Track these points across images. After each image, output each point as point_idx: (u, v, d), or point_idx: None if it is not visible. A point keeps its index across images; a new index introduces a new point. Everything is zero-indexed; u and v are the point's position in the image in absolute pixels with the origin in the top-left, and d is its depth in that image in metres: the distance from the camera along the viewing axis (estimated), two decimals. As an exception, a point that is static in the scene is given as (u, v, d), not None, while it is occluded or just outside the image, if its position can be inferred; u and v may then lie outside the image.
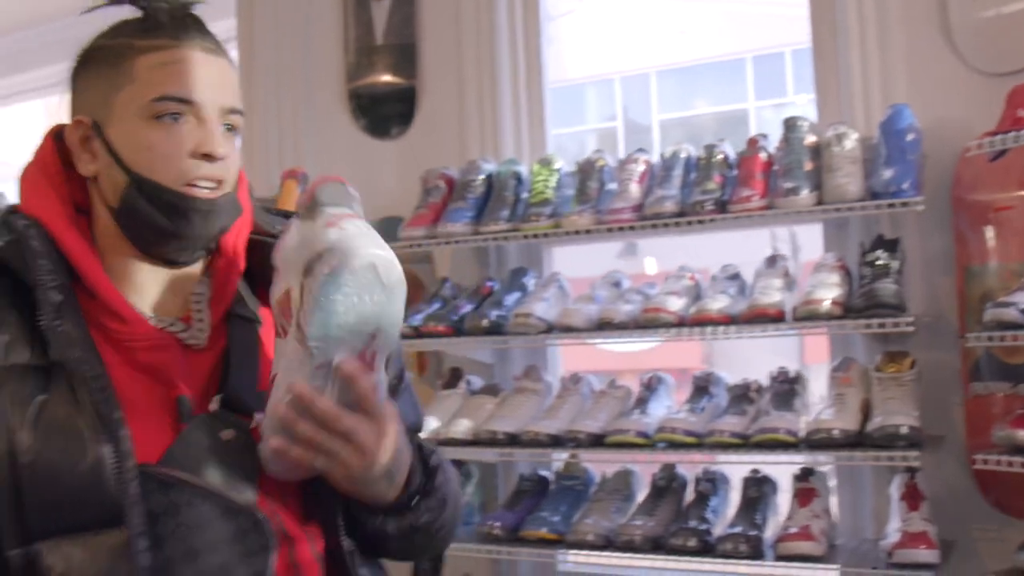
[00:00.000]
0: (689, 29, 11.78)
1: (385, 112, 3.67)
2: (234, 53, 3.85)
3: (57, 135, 1.31)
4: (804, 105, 11.71)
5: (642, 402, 3.02)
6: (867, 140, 2.82)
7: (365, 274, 1.15)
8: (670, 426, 2.85)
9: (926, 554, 2.56)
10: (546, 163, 3.17)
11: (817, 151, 2.81)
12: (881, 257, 2.71)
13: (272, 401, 1.19)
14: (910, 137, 2.70)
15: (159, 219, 1.24)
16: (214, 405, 1.25)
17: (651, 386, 3.07)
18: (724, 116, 12.36)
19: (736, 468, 3.02)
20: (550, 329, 3.00)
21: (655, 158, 3.06)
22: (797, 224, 3.01)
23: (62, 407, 1.18)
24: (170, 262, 1.29)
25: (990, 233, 2.81)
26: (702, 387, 2.99)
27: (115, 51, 1.25)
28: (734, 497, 2.98)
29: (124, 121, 1.24)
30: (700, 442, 2.82)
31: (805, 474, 2.86)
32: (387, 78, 3.68)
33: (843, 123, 2.82)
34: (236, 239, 1.34)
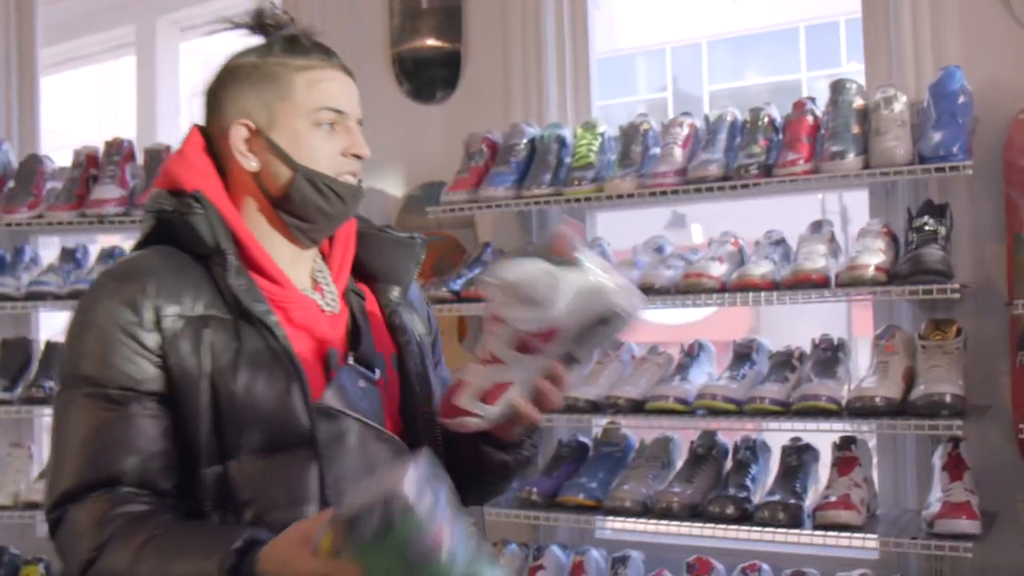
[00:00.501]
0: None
1: (430, 76, 3.66)
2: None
3: (203, 133, 1.59)
4: (856, 74, 11.57)
5: (683, 368, 3.00)
6: (916, 103, 2.76)
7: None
8: (710, 392, 2.83)
9: (967, 524, 2.53)
10: (590, 127, 3.14)
11: (865, 115, 2.76)
12: (928, 223, 2.66)
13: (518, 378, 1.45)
14: (961, 100, 2.65)
15: (322, 202, 1.53)
16: (351, 360, 1.53)
17: (692, 353, 3.05)
18: (776, 86, 12.19)
19: (776, 436, 2.99)
20: (591, 294, 2.98)
21: (700, 122, 3.02)
22: (844, 189, 2.95)
23: (257, 351, 1.44)
24: (310, 241, 1.58)
25: (1042, 199, 2.75)
26: (744, 354, 2.97)
27: (272, 70, 1.53)
28: (774, 465, 2.96)
29: (287, 126, 1.52)
30: (740, 409, 2.80)
31: (846, 443, 2.83)
32: (432, 42, 3.67)
33: (892, 86, 2.77)
34: (349, 229, 1.65)
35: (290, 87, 1.52)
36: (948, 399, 2.53)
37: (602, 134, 3.13)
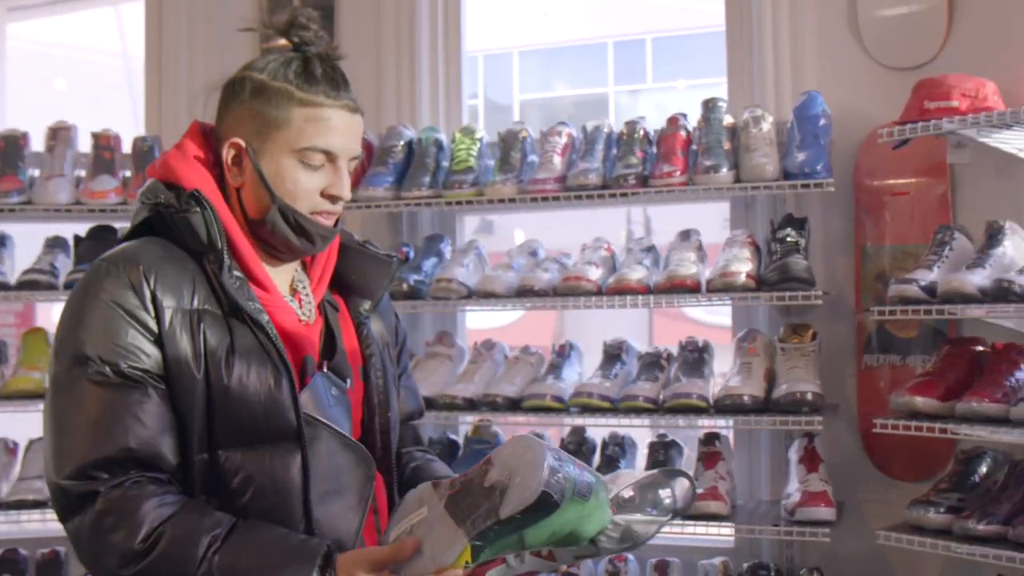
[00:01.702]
0: (552, 11, 11.92)
1: (299, 74, 3.64)
2: (129, 7, 3.76)
3: (204, 131, 1.62)
4: (663, 92, 12.08)
5: (555, 368, 3.12)
6: (780, 124, 2.98)
7: None
8: (586, 391, 2.95)
9: (825, 512, 2.75)
10: (468, 132, 3.23)
11: (734, 132, 2.96)
12: (791, 234, 2.88)
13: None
14: (822, 122, 2.88)
15: (292, 238, 1.57)
16: (324, 369, 1.59)
17: (563, 353, 3.17)
18: (583, 99, 12.56)
19: (642, 433, 3.15)
20: (470, 295, 3.07)
21: (576, 132, 3.15)
22: (714, 201, 3.14)
23: (249, 347, 1.51)
24: (279, 262, 1.63)
25: (886, 216, 3.02)
26: (614, 355, 3.11)
27: (276, 95, 1.54)
28: (641, 461, 3.12)
29: (275, 156, 1.55)
30: (614, 407, 2.94)
31: (711, 438, 3.02)
32: (300, 39, 3.65)
33: (758, 106, 2.98)
34: (333, 244, 1.68)
35: (288, 119, 1.54)
36: (809, 397, 2.75)
37: (480, 139, 3.22)
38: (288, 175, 1.55)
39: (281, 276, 1.63)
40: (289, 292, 1.64)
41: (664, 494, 1.59)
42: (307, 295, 1.65)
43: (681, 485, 1.61)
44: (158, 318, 1.47)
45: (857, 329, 3.05)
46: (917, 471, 2.97)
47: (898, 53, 3.01)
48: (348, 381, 1.62)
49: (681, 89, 10.75)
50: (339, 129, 1.56)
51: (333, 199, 1.58)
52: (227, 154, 1.56)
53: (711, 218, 3.60)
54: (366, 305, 1.71)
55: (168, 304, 1.48)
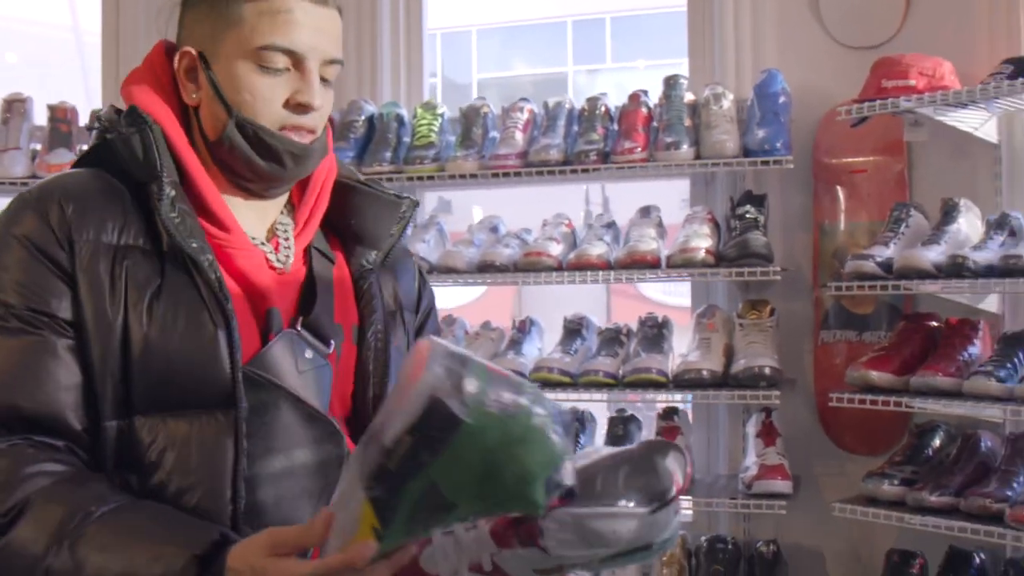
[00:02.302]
0: (512, -11, 11.90)
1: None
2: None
3: (169, 50, 1.37)
4: (623, 72, 12.11)
5: (515, 343, 3.13)
6: (741, 102, 3.00)
7: None
8: (546, 365, 2.97)
9: (781, 485, 2.79)
10: (429, 107, 3.22)
11: (695, 109, 2.98)
12: (750, 211, 2.90)
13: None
14: (782, 100, 2.91)
15: (254, 159, 1.31)
16: (298, 326, 1.33)
17: (524, 329, 3.18)
18: (542, 78, 12.56)
19: (600, 408, 3.18)
20: (431, 271, 3.07)
21: (538, 108, 3.16)
22: (675, 177, 3.16)
23: (181, 292, 1.26)
24: (252, 195, 1.37)
25: (844, 194, 3.06)
26: (574, 330, 3.13)
27: None
28: (600, 436, 3.14)
29: (229, 61, 1.30)
30: (574, 381, 2.96)
31: (669, 413, 3.05)
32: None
33: (719, 84, 3.00)
34: (325, 179, 1.42)
35: (240, 14, 1.29)
36: (767, 371, 2.79)
37: (442, 115, 3.21)
38: (244, 82, 1.29)
39: (253, 216, 1.37)
40: (266, 236, 1.38)
41: (648, 479, 1.12)
42: (287, 240, 1.38)
43: (673, 463, 1.14)
44: (72, 254, 1.24)
45: (815, 305, 3.08)
46: (872, 445, 3.02)
47: (857, 32, 3.04)
48: (332, 344, 1.34)
49: (641, 69, 10.79)
50: (302, 23, 1.29)
51: (300, 108, 1.30)
52: (178, 66, 1.33)
53: (670, 197, 3.62)
54: (371, 256, 1.44)
55: (86, 238, 1.25)
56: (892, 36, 3.00)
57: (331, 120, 1.52)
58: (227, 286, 1.28)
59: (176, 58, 1.34)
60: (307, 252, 1.41)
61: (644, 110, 3.01)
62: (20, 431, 1.21)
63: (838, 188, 3.06)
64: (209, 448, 1.24)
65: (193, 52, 1.32)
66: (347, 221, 1.44)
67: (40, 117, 3.38)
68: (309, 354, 1.32)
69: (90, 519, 1.15)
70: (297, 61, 1.30)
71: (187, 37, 1.34)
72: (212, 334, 1.25)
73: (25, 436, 1.21)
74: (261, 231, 1.38)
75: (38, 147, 3.31)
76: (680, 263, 2.85)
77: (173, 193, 1.28)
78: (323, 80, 1.33)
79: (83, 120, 3.33)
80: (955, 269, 2.54)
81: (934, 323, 2.82)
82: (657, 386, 2.89)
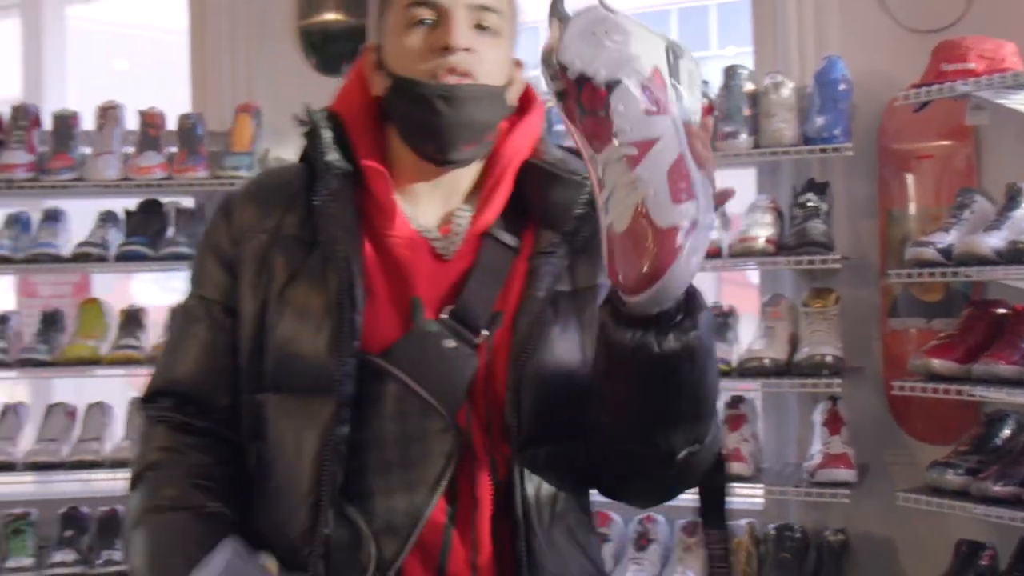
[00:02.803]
0: (616, -21, 11.87)
1: (336, 50, 3.73)
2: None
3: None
4: (731, 58, 11.96)
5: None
6: (801, 89, 3.00)
7: None
8: (612, 355, 3.01)
9: (845, 473, 2.79)
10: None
11: (754, 98, 2.99)
12: (812, 199, 2.90)
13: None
14: (842, 87, 2.89)
15: (412, 111, 1.31)
16: (444, 314, 1.30)
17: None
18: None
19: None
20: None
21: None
22: (739, 167, 3.17)
23: (306, 282, 1.31)
24: (442, 162, 1.34)
25: (911, 179, 3.02)
26: (641, 320, 3.16)
27: None
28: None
29: (391, 35, 1.34)
30: (639, 370, 2.99)
31: (735, 401, 3.06)
32: (338, 16, 3.75)
33: (779, 72, 3.00)
34: (512, 156, 1.37)
35: None
36: (829, 360, 2.79)
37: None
38: (399, 45, 1.32)
39: (437, 203, 1.37)
40: (437, 223, 1.36)
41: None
42: (459, 227, 1.35)
43: None
44: (237, 243, 1.35)
45: (883, 293, 3.06)
46: (943, 433, 2.98)
47: (922, 16, 3.00)
48: (484, 333, 1.29)
49: (714, 56, 10.67)
50: None
51: (444, 51, 1.29)
52: (367, 63, 1.38)
53: (743, 184, 3.62)
54: (548, 238, 1.34)
55: (248, 227, 1.36)
56: (958, 19, 2.95)
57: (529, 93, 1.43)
58: (371, 275, 1.31)
59: (364, 58, 1.40)
60: (482, 238, 1.36)
61: (704, 100, 3.02)
62: (174, 402, 1.36)
63: (905, 174, 3.03)
64: (302, 432, 1.27)
65: (373, 45, 1.38)
66: (530, 201, 1.38)
67: (133, 122, 3.56)
68: (451, 343, 1.28)
69: (156, 514, 1.29)
70: (441, 11, 1.30)
71: (373, 34, 1.40)
72: (320, 328, 1.28)
73: (178, 408, 1.36)
74: (433, 217, 1.37)
75: (130, 151, 3.48)
76: (740, 252, 2.87)
77: (335, 185, 1.32)
78: (481, 28, 1.32)
79: (171, 124, 3.49)
80: (1016, 255, 2.51)
81: (1001, 310, 2.77)
82: (721, 374, 2.90)
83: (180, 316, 1.40)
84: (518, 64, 1.39)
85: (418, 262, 1.32)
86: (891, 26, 3.05)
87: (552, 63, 1.09)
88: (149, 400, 1.40)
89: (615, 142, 1.05)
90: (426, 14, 1.30)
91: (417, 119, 1.31)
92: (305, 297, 1.30)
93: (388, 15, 1.34)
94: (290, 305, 1.30)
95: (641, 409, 1.15)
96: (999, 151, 2.92)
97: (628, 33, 1.08)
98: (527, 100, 1.41)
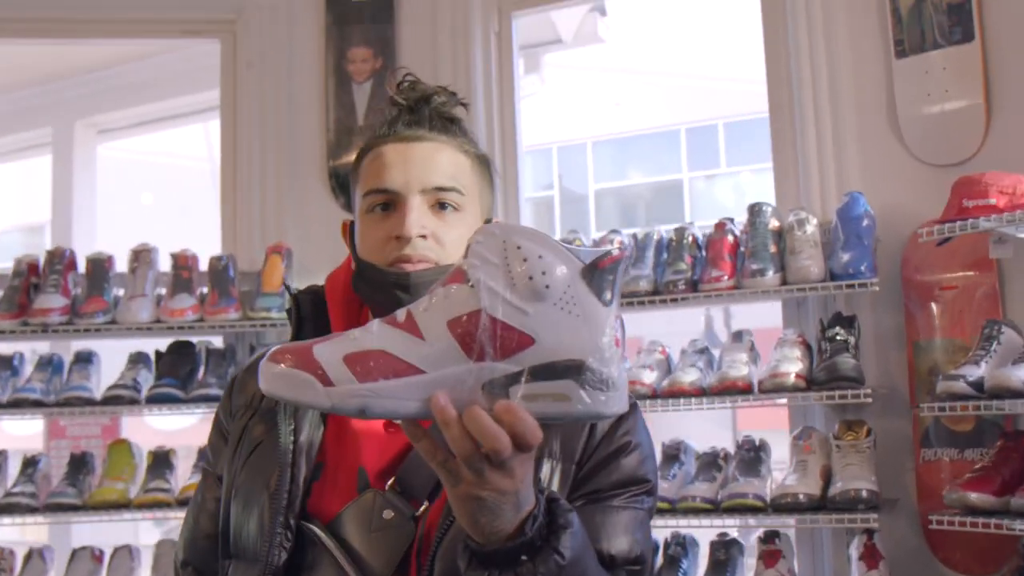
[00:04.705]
0: (625, 101, 12.13)
1: (364, 190, 3.81)
2: (215, 124, 4.00)
3: None
4: (739, 177, 12.17)
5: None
6: (824, 224, 3.05)
7: None
8: (644, 491, 3.00)
9: (886, 609, 2.75)
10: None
11: (780, 235, 3.04)
12: (840, 333, 2.93)
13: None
14: (865, 223, 2.94)
15: (374, 294, 1.36)
16: (388, 485, 1.32)
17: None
18: (658, 186, 12.70)
19: (703, 532, 3.19)
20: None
21: (627, 239, 3.26)
22: (764, 301, 3.20)
23: (270, 449, 1.36)
24: None
25: (936, 310, 3.05)
26: (672, 455, 3.17)
27: (357, 157, 1.43)
28: (703, 560, 3.15)
29: (358, 216, 1.39)
30: (673, 508, 2.99)
31: (770, 536, 3.04)
32: (365, 157, 3.83)
33: (803, 208, 3.06)
34: None
35: (359, 171, 1.40)
36: (864, 494, 2.78)
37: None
38: (362, 231, 1.37)
39: None
40: None
41: None
42: None
43: None
44: (232, 417, 1.45)
45: (914, 423, 3.06)
46: (983, 565, 2.95)
47: (939, 151, 3.07)
48: (426, 505, 1.30)
49: (753, 172, 10.83)
50: (393, 162, 1.35)
51: (398, 241, 1.33)
52: (344, 240, 1.44)
53: (769, 306, 3.65)
54: None
55: (238, 402, 1.45)
56: (975, 153, 3.01)
57: None
58: (328, 444, 1.36)
59: (342, 232, 1.46)
60: None
61: (730, 238, 3.08)
62: (193, 569, 1.47)
63: (931, 305, 3.06)
64: None
65: (347, 222, 1.44)
66: None
67: (165, 264, 3.62)
68: (388, 514, 1.29)
69: None
70: (396, 199, 1.35)
71: (353, 210, 1.44)
72: (260, 498, 1.34)
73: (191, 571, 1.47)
74: None
75: (162, 292, 3.54)
76: (771, 388, 2.88)
77: None
78: (443, 206, 1.36)
79: (203, 266, 3.56)
80: (1048, 388, 2.52)
81: (1035, 441, 2.77)
82: (755, 511, 2.90)
83: (200, 481, 1.52)
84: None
85: (368, 431, 1.35)
86: (909, 160, 3.12)
87: None
88: (183, 566, 1.49)
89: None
90: (383, 200, 1.35)
91: (379, 302, 1.34)
92: (260, 467, 1.35)
93: (356, 195, 1.40)
94: (248, 475, 1.37)
95: None
96: (1022, 281, 2.95)
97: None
98: None
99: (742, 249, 3.07)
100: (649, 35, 10.01)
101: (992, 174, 2.75)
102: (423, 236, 1.33)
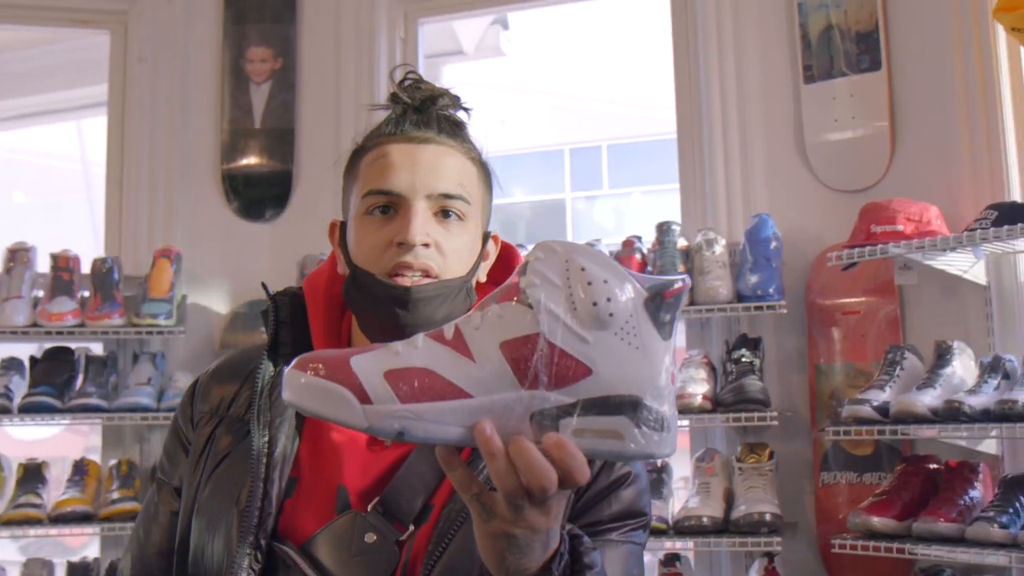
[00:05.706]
0: (510, 119, 12.14)
1: (258, 195, 3.68)
2: (91, 122, 3.81)
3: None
4: (619, 200, 12.29)
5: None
6: (732, 246, 3.05)
7: None
8: (545, 512, 2.94)
9: (786, 634, 2.75)
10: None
11: (687, 254, 3.02)
12: (745, 355, 2.92)
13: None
14: (773, 245, 2.95)
15: (368, 307, 1.26)
16: (371, 506, 1.23)
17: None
18: (540, 205, 12.73)
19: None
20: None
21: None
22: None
23: (240, 461, 1.27)
24: None
25: (838, 334, 3.08)
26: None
27: (353, 154, 1.33)
28: (601, 581, 3.10)
29: (353, 218, 1.29)
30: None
31: (671, 559, 3.01)
32: (261, 161, 3.71)
33: (711, 229, 3.05)
34: None
35: (356, 172, 1.31)
36: (768, 517, 2.77)
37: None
38: (357, 234, 1.27)
39: None
40: None
41: None
42: None
43: None
44: (195, 426, 1.35)
45: (814, 446, 3.08)
46: (877, 588, 2.98)
47: (844, 176, 3.11)
48: (412, 529, 1.22)
49: (638, 195, 10.94)
50: (399, 164, 1.25)
51: (401, 247, 1.23)
52: (331, 241, 1.35)
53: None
54: None
55: (202, 409, 1.35)
56: (879, 180, 3.06)
57: (510, 255, 1.39)
58: (303, 461, 1.27)
59: (328, 235, 1.36)
60: None
61: (638, 256, 3.06)
62: None
63: (833, 329, 3.08)
64: None
65: (337, 223, 1.34)
66: None
67: (44, 264, 3.42)
68: (370, 537, 1.21)
69: None
70: (398, 202, 1.26)
71: (342, 208, 1.35)
72: (227, 517, 1.24)
73: None
74: None
75: (40, 294, 3.34)
76: (678, 409, 2.85)
77: (272, 367, 1.30)
78: (447, 214, 1.27)
79: (85, 268, 3.37)
80: (951, 414, 2.54)
81: (934, 465, 2.80)
82: (657, 533, 2.86)
83: (152, 492, 1.39)
84: (493, 237, 1.35)
85: (349, 446, 1.26)
86: (815, 185, 3.15)
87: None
88: None
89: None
90: (378, 203, 1.26)
91: (372, 316, 1.26)
92: (227, 481, 1.27)
93: (352, 195, 1.30)
94: (214, 487, 1.28)
95: None
96: (922, 307, 3.00)
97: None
98: (508, 261, 1.37)
99: (649, 268, 3.04)
100: (546, 53, 10.03)
101: (900, 201, 2.78)
102: (426, 244, 1.25)
